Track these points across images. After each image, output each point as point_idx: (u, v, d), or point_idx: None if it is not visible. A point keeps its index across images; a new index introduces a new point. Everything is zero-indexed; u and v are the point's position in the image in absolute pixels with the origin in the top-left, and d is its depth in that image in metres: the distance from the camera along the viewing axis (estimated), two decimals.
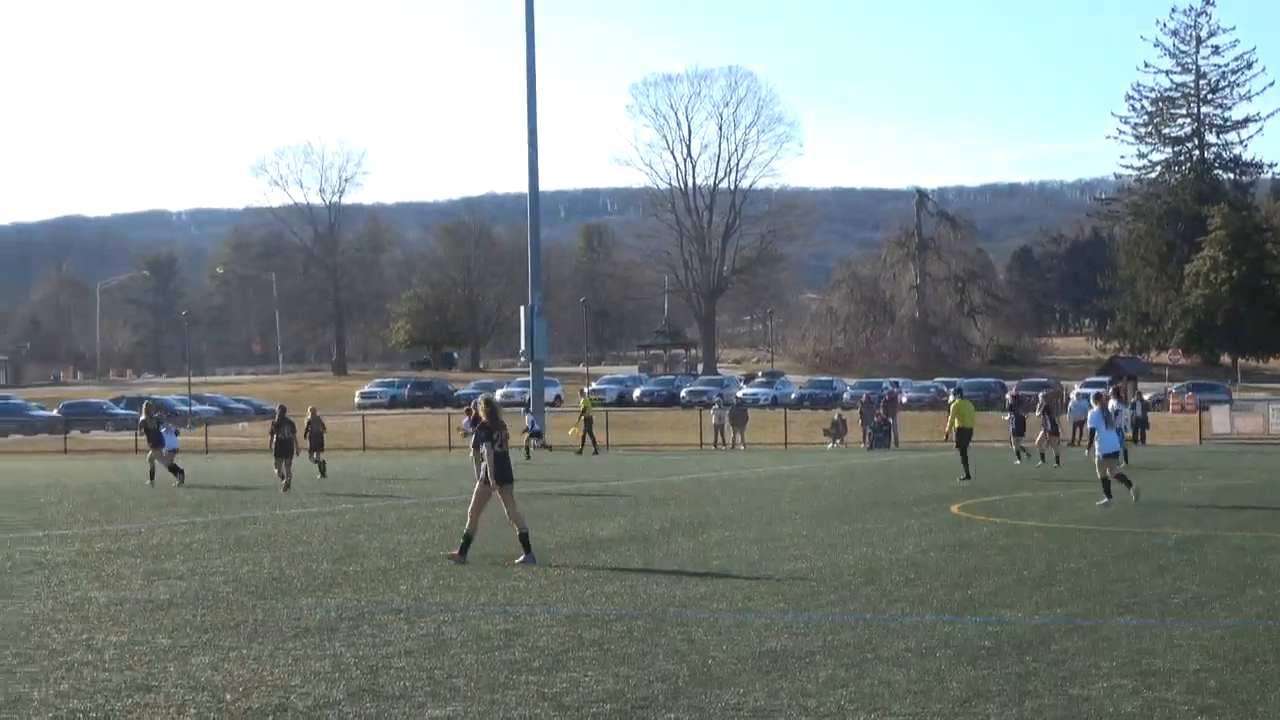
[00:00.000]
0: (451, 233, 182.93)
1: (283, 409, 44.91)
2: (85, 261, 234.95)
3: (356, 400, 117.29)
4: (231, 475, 48.74)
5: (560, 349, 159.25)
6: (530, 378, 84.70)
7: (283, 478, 40.80)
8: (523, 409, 71.53)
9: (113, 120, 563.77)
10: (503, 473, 21.87)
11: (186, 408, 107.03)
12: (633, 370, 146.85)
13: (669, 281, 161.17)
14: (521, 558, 21.42)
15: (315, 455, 47.06)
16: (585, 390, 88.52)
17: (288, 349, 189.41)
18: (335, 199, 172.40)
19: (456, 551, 21.75)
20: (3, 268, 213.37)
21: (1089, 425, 32.26)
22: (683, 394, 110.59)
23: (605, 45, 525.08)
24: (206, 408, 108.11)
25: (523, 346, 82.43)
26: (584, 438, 68.88)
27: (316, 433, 48.08)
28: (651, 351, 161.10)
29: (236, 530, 27.96)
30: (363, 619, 16.07)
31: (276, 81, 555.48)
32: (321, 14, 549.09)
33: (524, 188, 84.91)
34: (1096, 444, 31.42)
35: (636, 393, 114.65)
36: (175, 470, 45.13)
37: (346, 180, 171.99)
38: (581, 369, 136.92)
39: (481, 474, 22.09)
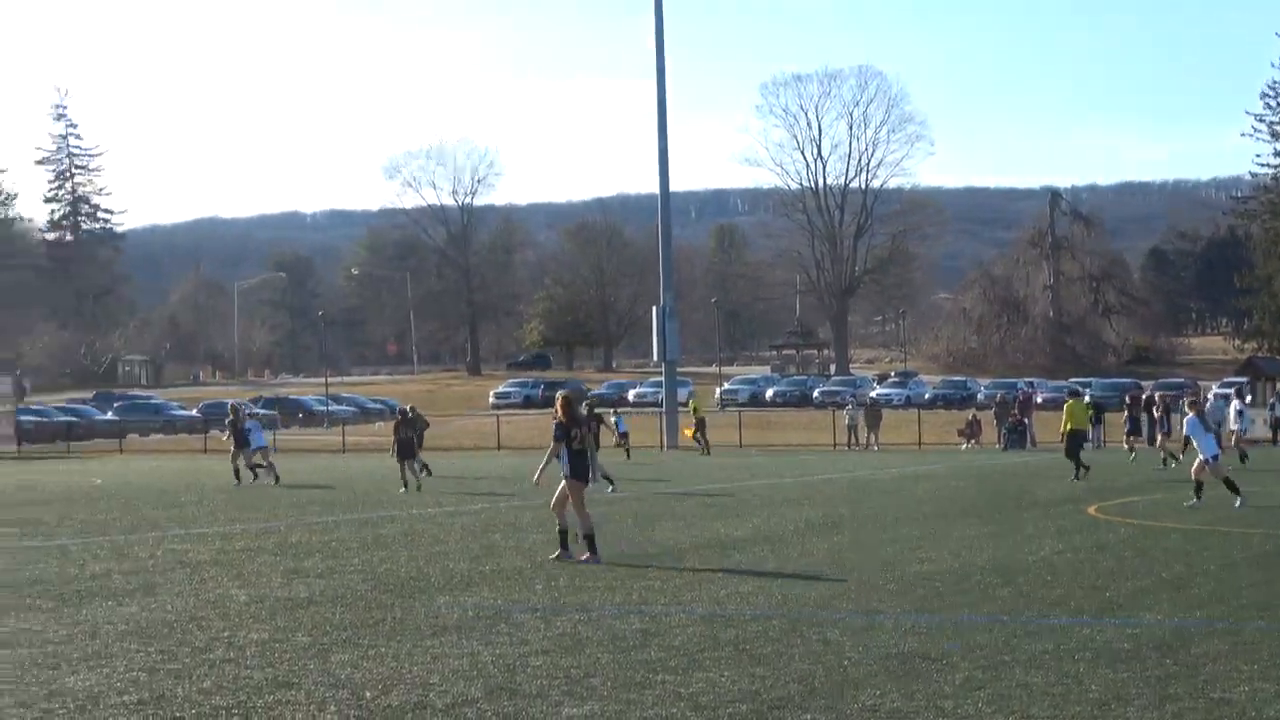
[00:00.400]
0: (583, 233, 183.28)
1: (404, 411, 45.40)
2: (222, 263, 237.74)
3: (490, 400, 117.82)
4: (367, 475, 49.15)
5: (692, 349, 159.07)
6: (662, 378, 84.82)
7: (406, 478, 41.21)
8: (612, 410, 71.48)
9: (250, 124, 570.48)
10: (578, 470, 22.10)
11: (324, 408, 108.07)
12: (765, 371, 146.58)
13: (800, 281, 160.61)
14: (586, 556, 21.67)
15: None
16: (694, 393, 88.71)
17: (422, 349, 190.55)
18: (468, 200, 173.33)
19: (583, 552, 21.91)
20: (142, 269, 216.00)
21: (1185, 432, 32.01)
22: (815, 394, 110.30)
23: (735, 45, 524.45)
24: (343, 408, 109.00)
25: (655, 347, 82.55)
26: (696, 438, 69.07)
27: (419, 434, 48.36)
28: (784, 352, 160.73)
29: (374, 529, 28.22)
30: (500, 618, 16.19)
31: (409, 84, 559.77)
32: (454, 16, 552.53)
33: (655, 188, 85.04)
34: (1196, 447, 31.18)
35: (769, 393, 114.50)
36: (255, 470, 46.23)
37: (479, 182, 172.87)
38: (713, 369, 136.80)
39: (563, 471, 22.23)
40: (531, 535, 26.11)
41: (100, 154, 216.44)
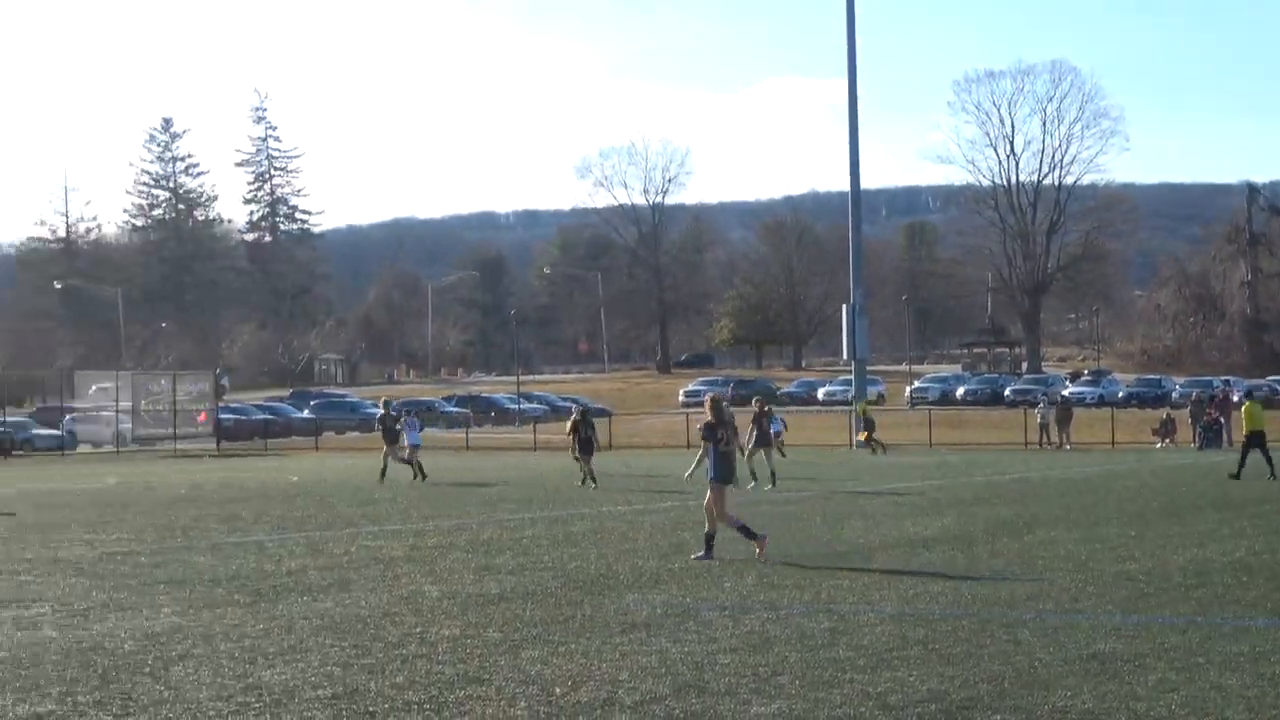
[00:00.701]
0: (773, 231, 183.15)
1: (584, 409, 45.80)
2: (417, 262, 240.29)
3: (680, 399, 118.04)
4: (558, 473, 49.45)
5: (881, 348, 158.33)
6: (852, 376, 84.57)
7: (585, 475, 41.68)
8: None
9: (445, 125, 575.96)
10: (722, 472, 22.22)
11: (515, 406, 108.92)
12: (956, 369, 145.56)
13: (992, 279, 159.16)
14: (700, 554, 21.86)
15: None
16: (835, 393, 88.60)
17: (613, 348, 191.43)
18: (659, 199, 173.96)
19: (759, 549, 22.01)
20: (339, 269, 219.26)
21: None
22: (1007, 392, 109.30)
23: (927, 42, 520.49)
24: (534, 406, 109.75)
25: (844, 345, 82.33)
26: (869, 439, 68.81)
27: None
28: (974, 350, 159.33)
29: (564, 526, 28.40)
30: (688, 615, 16.23)
31: (601, 84, 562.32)
32: (647, 17, 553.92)
33: (846, 185, 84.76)
34: None
35: (959, 391, 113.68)
36: (415, 466, 46.68)
37: (670, 181, 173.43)
38: (903, 368, 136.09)
39: (708, 472, 22.42)
40: (721, 532, 26.09)
41: (298, 156, 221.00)
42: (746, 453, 40.14)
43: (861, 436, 69.44)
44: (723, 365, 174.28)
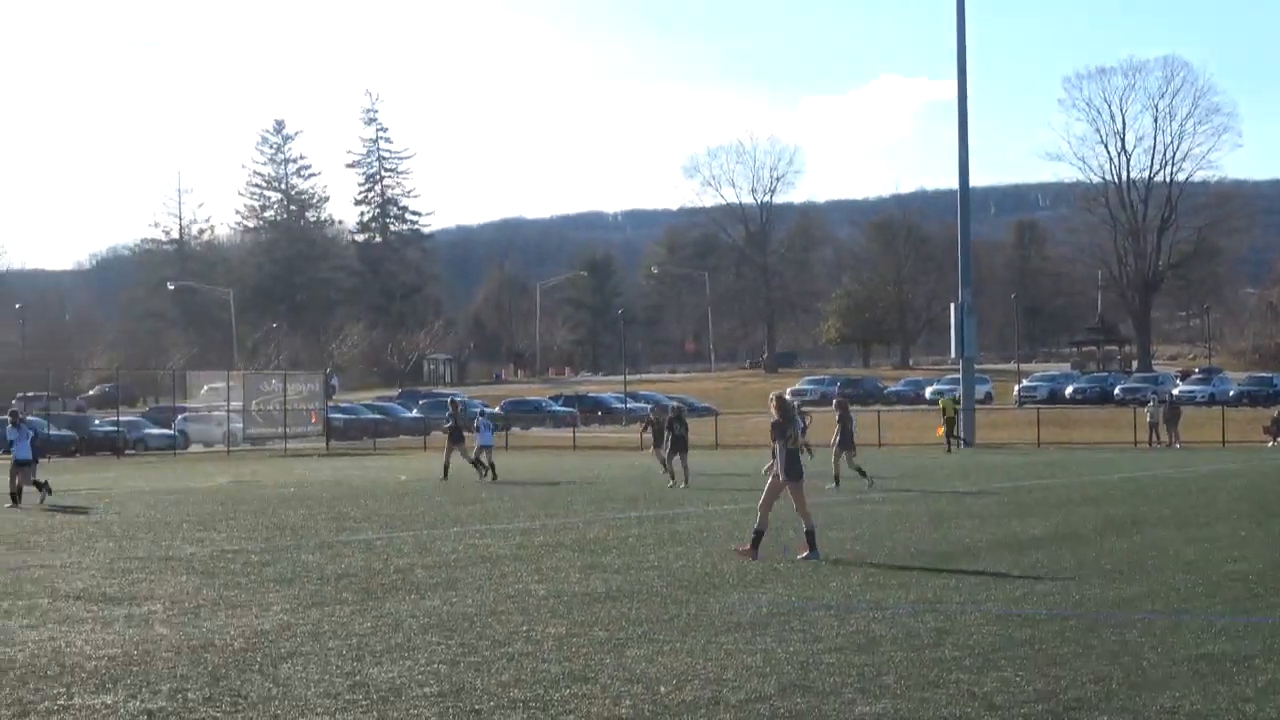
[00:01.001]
0: (882, 230, 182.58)
1: (679, 408, 45.92)
2: (525, 262, 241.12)
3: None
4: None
5: (990, 346, 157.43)
6: (960, 375, 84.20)
7: (671, 473, 41.89)
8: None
9: (553, 125, 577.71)
10: (792, 470, 22.36)
11: (622, 405, 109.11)
12: (1065, 367, 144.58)
13: (1102, 277, 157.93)
14: (805, 553, 21.84)
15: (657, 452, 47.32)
16: (943, 392, 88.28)
17: (720, 347, 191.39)
18: (767, 198, 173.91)
19: (748, 546, 22.21)
20: (448, 269, 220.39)
21: None
22: (1116, 391, 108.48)
23: (1037, 38, 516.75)
24: (641, 406, 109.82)
25: (952, 344, 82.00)
26: (948, 437, 68.51)
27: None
28: (1084, 348, 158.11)
29: (670, 525, 28.44)
30: (793, 615, 16.22)
31: (709, 83, 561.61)
32: (753, 17, 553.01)
33: (954, 183, 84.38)
34: None
35: (1069, 390, 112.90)
36: (478, 466, 47.29)
37: (778, 180, 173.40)
38: (1012, 366, 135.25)
39: (772, 470, 22.57)
40: (827, 533, 26.04)
41: (409, 157, 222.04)
42: (832, 454, 40.16)
43: (939, 432, 69.25)
44: (808, 363, 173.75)
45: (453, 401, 53.43)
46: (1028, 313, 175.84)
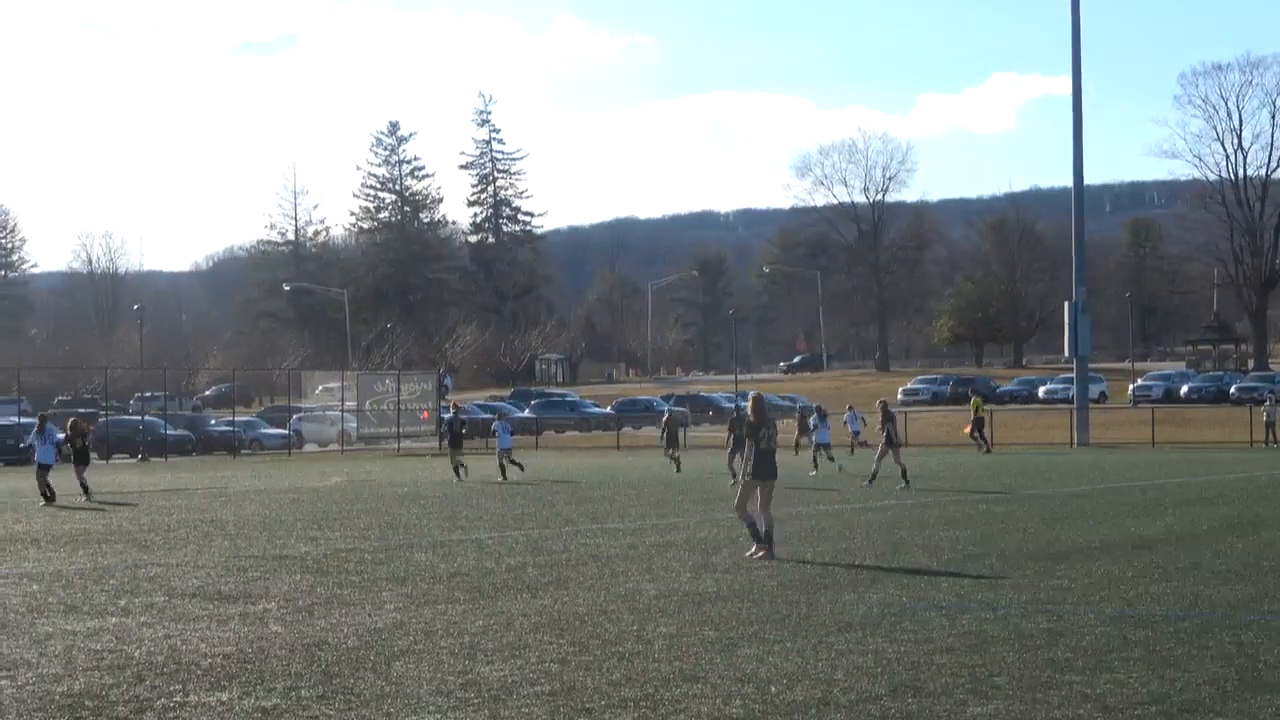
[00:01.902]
0: (995, 228, 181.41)
1: (740, 408, 46.08)
2: (637, 262, 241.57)
3: (899, 397, 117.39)
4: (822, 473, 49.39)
5: (1104, 345, 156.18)
6: (1073, 375, 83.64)
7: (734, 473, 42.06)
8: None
9: (664, 125, 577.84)
10: (762, 470, 22.53)
11: (732, 405, 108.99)
12: (1180, 366, 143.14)
13: (1218, 275, 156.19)
14: (761, 553, 22.08)
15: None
16: (1055, 392, 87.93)
17: (831, 346, 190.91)
18: (879, 197, 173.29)
19: (761, 550, 22.29)
20: (561, 269, 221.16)
21: None
22: (1232, 390, 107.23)
23: (1152, 35, 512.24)
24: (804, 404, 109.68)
25: (1066, 343, 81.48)
26: (975, 436, 67.97)
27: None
28: (1199, 347, 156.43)
29: (780, 525, 28.36)
30: (905, 615, 16.17)
31: (821, 83, 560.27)
32: (868, 14, 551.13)
33: (1068, 181, 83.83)
34: None
35: (1184, 389, 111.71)
36: (503, 468, 48.44)
37: (890, 178, 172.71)
38: (1126, 365, 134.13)
39: (745, 470, 22.76)
40: (939, 532, 25.97)
41: (522, 158, 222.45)
42: (877, 454, 40.25)
43: (965, 430, 68.74)
44: (921, 362, 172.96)
45: (455, 405, 54.62)
46: (1142, 311, 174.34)
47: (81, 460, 40.78)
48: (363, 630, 15.57)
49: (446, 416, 53.03)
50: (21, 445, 63.21)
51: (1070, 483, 41.99)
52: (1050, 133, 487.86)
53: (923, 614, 16.23)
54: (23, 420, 71.65)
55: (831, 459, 49.73)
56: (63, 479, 40.11)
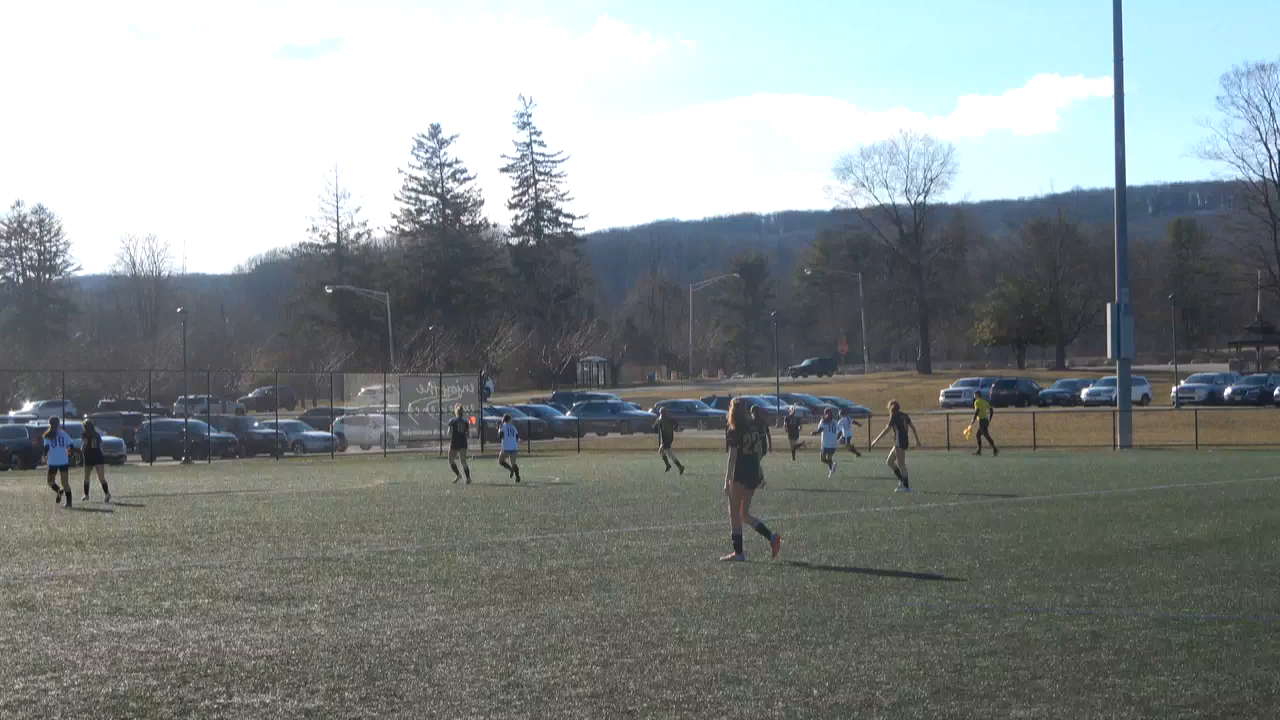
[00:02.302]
0: (1037, 230, 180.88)
1: (734, 408, 46.29)
2: (678, 264, 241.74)
3: (941, 399, 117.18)
4: (816, 475, 49.39)
5: (1147, 347, 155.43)
6: (1116, 376, 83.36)
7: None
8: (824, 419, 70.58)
9: (704, 127, 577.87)
10: (745, 475, 22.59)
11: (774, 407, 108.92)
12: (1223, 368, 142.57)
13: (1261, 276, 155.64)
14: (731, 555, 22.22)
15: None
16: (980, 392, 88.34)
17: (873, 348, 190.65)
18: (920, 199, 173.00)
19: (733, 553, 22.38)
20: (602, 271, 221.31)
21: None
22: (1276, 392, 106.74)
23: (1194, 35, 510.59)
24: (797, 407, 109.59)
25: (1109, 344, 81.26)
26: (979, 438, 67.71)
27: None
28: (1243, 349, 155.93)
29: (823, 528, 28.39)
30: (947, 617, 16.15)
31: (862, 85, 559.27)
32: (908, 16, 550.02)
33: (1111, 183, 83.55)
34: None
35: (1227, 391, 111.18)
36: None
37: (931, 180, 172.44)
38: (1169, 367, 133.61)
39: (730, 473, 22.72)
40: (981, 534, 25.91)
41: (563, 160, 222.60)
42: (889, 456, 40.16)
43: (966, 432, 68.43)
44: (962, 364, 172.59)
45: (459, 408, 55.33)
46: (1185, 313, 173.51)
47: (93, 461, 41.28)
48: (405, 632, 15.61)
49: (452, 419, 53.64)
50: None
51: (1113, 485, 41.87)
52: (1092, 134, 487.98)
53: (965, 616, 16.20)
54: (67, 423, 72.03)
55: (829, 462, 49.80)
56: (77, 482, 40.85)
